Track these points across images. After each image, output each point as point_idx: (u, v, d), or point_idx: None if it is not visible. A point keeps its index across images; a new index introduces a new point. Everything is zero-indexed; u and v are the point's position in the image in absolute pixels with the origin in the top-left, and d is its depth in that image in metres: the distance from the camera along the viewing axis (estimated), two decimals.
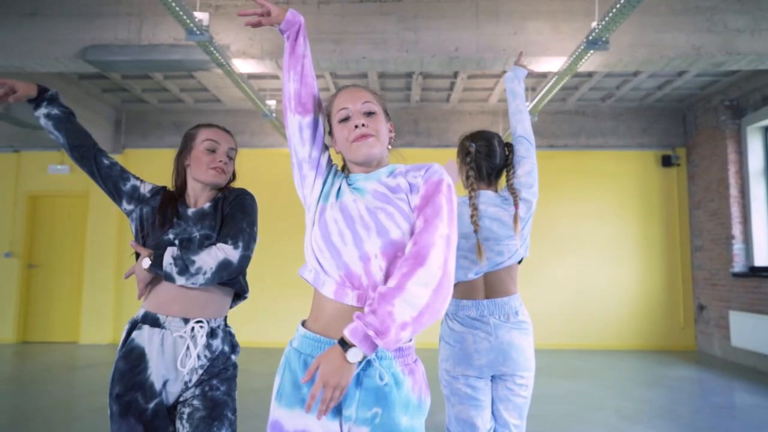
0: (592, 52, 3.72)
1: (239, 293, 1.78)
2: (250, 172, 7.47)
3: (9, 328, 7.34)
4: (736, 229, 6.45)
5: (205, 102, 7.42)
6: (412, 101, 7.29)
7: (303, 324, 1.30)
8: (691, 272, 7.31)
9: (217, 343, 1.67)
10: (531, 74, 2.39)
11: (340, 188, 1.32)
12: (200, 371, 1.63)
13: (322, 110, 1.39)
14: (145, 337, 1.62)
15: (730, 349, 6.39)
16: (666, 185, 7.48)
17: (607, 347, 7.12)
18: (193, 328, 1.62)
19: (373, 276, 1.20)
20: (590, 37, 3.60)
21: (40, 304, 7.55)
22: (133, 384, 1.57)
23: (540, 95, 5.03)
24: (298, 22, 1.34)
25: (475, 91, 6.95)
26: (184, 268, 1.57)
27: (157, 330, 1.62)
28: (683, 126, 7.51)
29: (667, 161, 7.42)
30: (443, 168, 1.28)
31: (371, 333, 1.09)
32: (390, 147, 1.39)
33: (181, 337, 1.61)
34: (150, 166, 7.65)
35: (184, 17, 3.47)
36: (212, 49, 3.89)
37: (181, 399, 1.63)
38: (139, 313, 1.67)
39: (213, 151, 1.76)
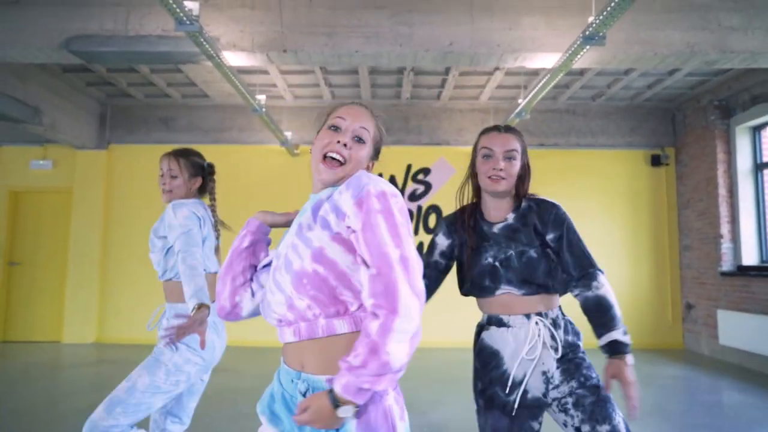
0: (588, 47, 3.69)
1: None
2: (239, 168, 7.39)
3: None
4: (725, 228, 6.49)
5: (192, 97, 7.30)
6: (403, 98, 7.23)
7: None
8: (680, 271, 7.35)
9: (560, 333, 1.69)
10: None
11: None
12: (556, 363, 1.65)
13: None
14: (494, 336, 1.67)
15: (717, 347, 6.43)
16: (655, 184, 7.51)
17: (596, 345, 7.12)
18: (536, 323, 1.65)
19: (297, 308, 1.14)
20: (587, 32, 3.57)
21: (21, 302, 7.36)
22: (490, 379, 1.65)
23: (533, 92, 5.00)
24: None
25: (466, 88, 6.92)
26: None
27: (503, 329, 1.67)
28: (672, 125, 7.55)
29: (656, 160, 7.46)
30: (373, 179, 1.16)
31: (366, 386, 1.03)
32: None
33: (527, 331, 1.66)
34: (136, 163, 7.53)
35: (174, 5, 3.37)
36: (202, 40, 3.79)
37: (556, 395, 1.65)
38: (483, 317, 1.74)
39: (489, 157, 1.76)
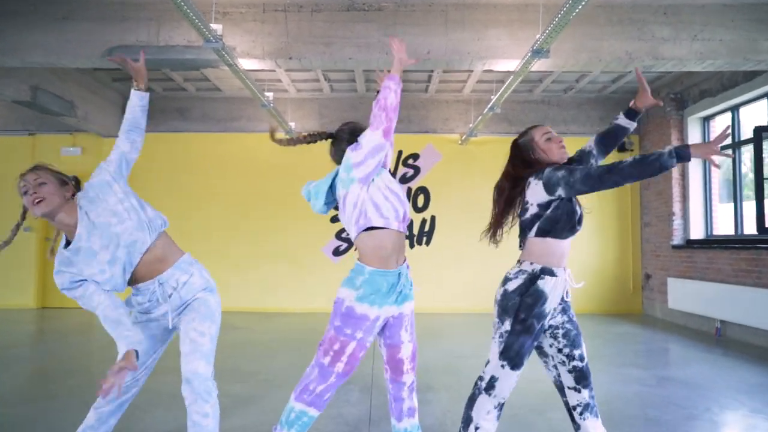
0: (537, 59, 4.54)
1: None
2: (246, 154, 8.29)
3: (30, 295, 8.13)
4: (677, 207, 7.39)
5: (206, 90, 8.14)
6: None
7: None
8: (641, 245, 8.27)
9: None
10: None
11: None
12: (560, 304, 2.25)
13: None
14: (549, 285, 2.18)
15: (667, 310, 7.37)
16: None
17: None
18: (567, 273, 2.27)
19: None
20: (534, 48, 4.42)
21: None
22: (534, 314, 2.16)
23: (500, 93, 5.84)
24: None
25: (450, 83, 7.75)
26: None
27: (555, 278, 2.20)
28: None
29: (622, 147, 8.28)
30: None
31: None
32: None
33: (564, 281, 2.25)
34: (154, 149, 8.40)
35: (202, 28, 4.22)
36: (223, 52, 4.64)
37: (551, 324, 2.24)
38: (536, 268, 2.20)
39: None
